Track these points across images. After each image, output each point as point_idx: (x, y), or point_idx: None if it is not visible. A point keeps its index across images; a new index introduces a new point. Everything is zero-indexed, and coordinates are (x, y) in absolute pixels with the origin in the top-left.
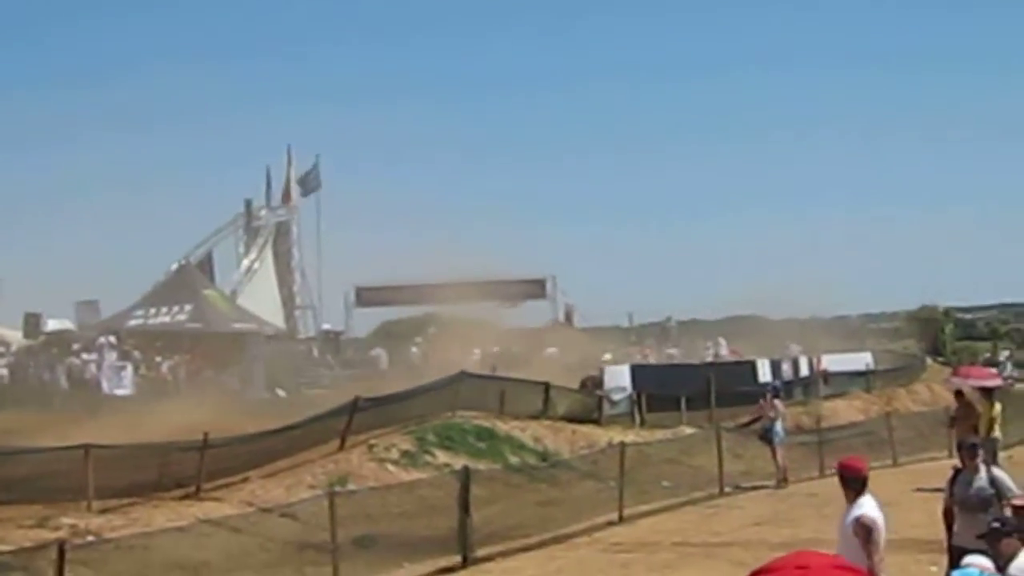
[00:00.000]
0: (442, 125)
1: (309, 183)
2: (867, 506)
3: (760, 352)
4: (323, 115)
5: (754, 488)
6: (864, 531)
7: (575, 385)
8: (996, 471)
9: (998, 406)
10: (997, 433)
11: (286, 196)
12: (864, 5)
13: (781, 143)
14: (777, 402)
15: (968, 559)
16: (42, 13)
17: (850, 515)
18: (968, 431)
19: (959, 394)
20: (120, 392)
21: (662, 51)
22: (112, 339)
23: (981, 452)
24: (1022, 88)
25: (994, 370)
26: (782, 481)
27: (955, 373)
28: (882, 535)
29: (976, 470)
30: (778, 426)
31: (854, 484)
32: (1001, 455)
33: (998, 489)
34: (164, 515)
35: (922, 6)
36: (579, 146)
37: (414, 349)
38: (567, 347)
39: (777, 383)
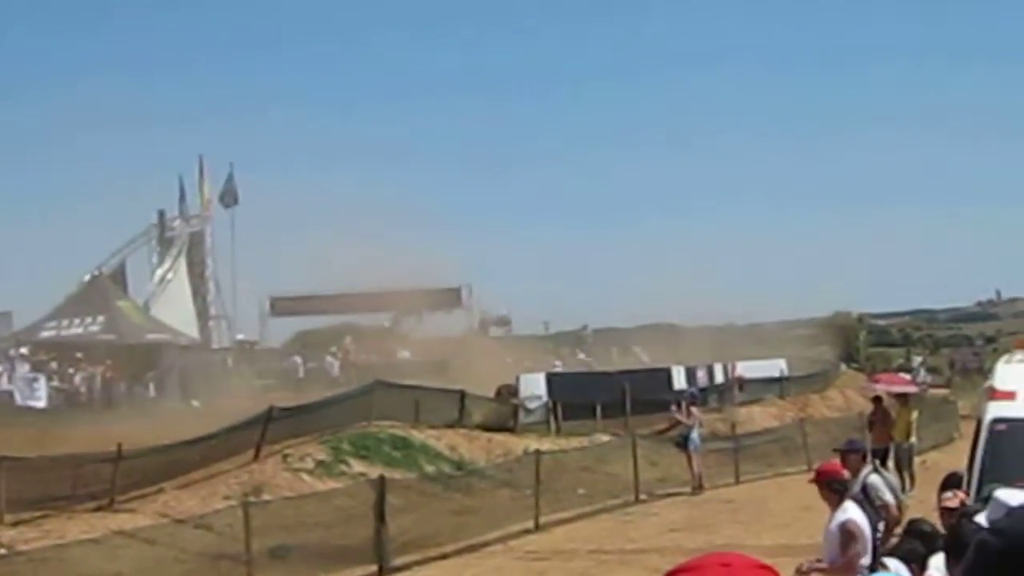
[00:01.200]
0: (356, 132)
1: (228, 196)
2: (851, 511)
3: (675, 359)
4: (235, 124)
5: (669, 495)
6: (849, 537)
7: (491, 393)
8: (872, 476)
9: (915, 413)
10: (913, 439)
11: (206, 206)
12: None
13: (697, 148)
14: (694, 409)
15: (887, 561)
16: None
17: (835, 520)
18: (884, 436)
19: (877, 400)
20: (33, 404)
21: (570, 58)
22: (24, 350)
23: (867, 456)
24: (939, 87)
25: (909, 377)
26: (698, 488)
27: (873, 379)
28: (868, 541)
29: (857, 475)
30: (694, 433)
31: (837, 487)
32: (916, 460)
33: (866, 494)
34: (78, 527)
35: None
36: (494, 152)
37: (329, 358)
38: (482, 356)
39: (694, 390)
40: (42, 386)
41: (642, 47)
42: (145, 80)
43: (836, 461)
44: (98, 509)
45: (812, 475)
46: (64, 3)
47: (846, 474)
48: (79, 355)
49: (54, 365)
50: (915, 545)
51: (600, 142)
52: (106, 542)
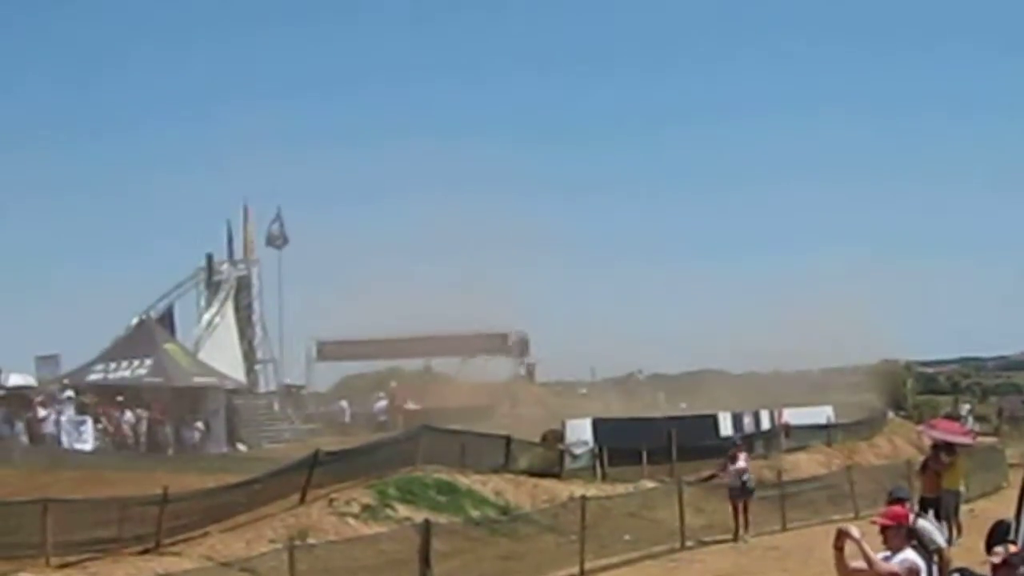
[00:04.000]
0: (403, 172)
1: (277, 238)
2: (912, 554)
3: (721, 406)
4: (282, 167)
5: (716, 542)
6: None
7: (536, 438)
8: (921, 522)
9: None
10: (962, 487)
11: (246, 251)
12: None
13: (744, 194)
14: (743, 455)
15: None
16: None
17: (897, 560)
18: (935, 485)
19: (935, 447)
20: (80, 446)
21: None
22: (71, 393)
23: (909, 504)
24: (986, 138)
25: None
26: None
27: (929, 425)
28: None
29: None
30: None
31: (903, 532)
32: (964, 508)
33: (918, 539)
34: (123, 570)
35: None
36: (541, 195)
37: (379, 403)
38: (528, 401)
39: (736, 437)
40: (89, 429)
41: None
42: (192, 123)
43: (898, 507)
44: (144, 552)
45: (881, 518)
46: (107, 46)
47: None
48: (123, 398)
49: (101, 408)
50: None
51: (648, 185)
52: None
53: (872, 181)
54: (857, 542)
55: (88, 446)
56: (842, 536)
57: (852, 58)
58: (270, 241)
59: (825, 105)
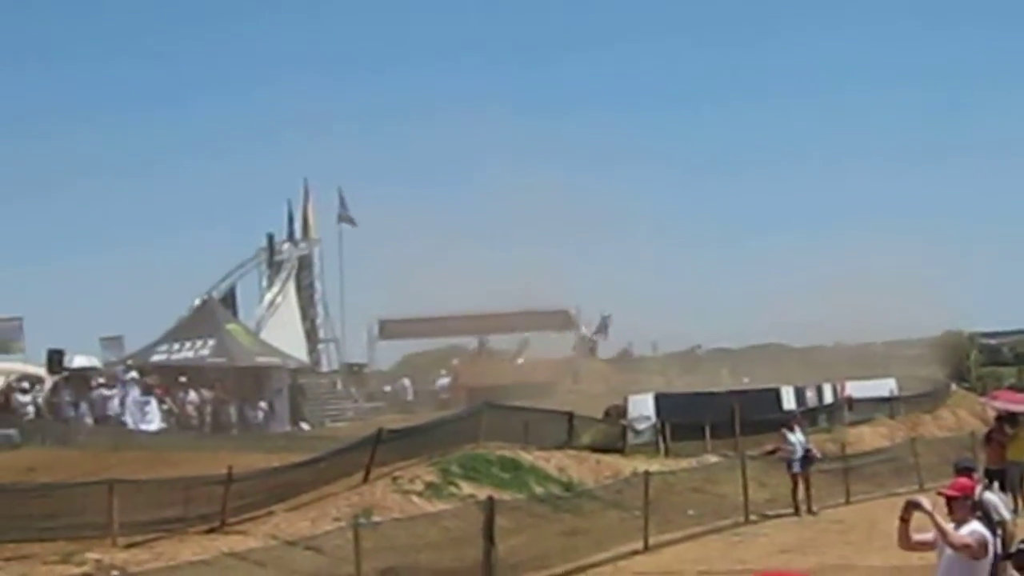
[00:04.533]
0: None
1: (344, 218)
2: (979, 525)
3: (785, 380)
4: (343, 144)
5: (779, 516)
6: (981, 549)
7: (599, 414)
8: (987, 494)
9: None
10: None
11: (306, 230)
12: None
13: (808, 168)
14: (798, 427)
15: None
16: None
17: (965, 530)
18: (1000, 456)
19: (999, 418)
20: (145, 427)
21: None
22: (135, 374)
23: (977, 475)
24: None
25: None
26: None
27: (991, 396)
28: (991, 556)
29: None
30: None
31: (970, 504)
32: None
33: (983, 511)
34: (189, 549)
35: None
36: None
37: (441, 381)
38: (591, 378)
39: (794, 411)
40: (153, 409)
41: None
42: (253, 100)
43: (965, 479)
44: (209, 531)
45: (947, 490)
46: (166, 25)
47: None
48: (187, 379)
49: (164, 389)
50: None
51: (709, 160)
52: (217, 564)
53: (933, 152)
54: (929, 514)
55: (154, 427)
56: (909, 508)
57: (901, 28)
58: (339, 221)
59: (881, 78)
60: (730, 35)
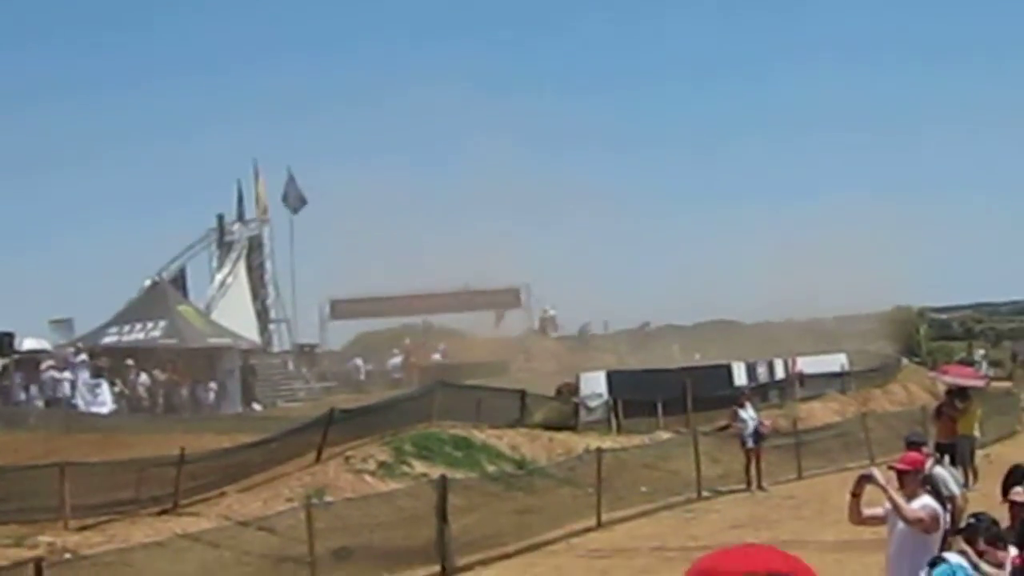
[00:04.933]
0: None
1: (292, 199)
2: (930, 499)
3: (736, 356)
4: (290, 125)
5: (732, 492)
6: (933, 523)
7: (551, 392)
8: (937, 469)
9: (979, 407)
10: (976, 432)
11: (262, 210)
12: None
13: (757, 143)
14: (749, 404)
15: (947, 555)
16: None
17: (917, 504)
18: (950, 431)
19: (949, 392)
20: (97, 409)
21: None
22: (85, 357)
23: (927, 449)
24: (997, 81)
25: (977, 370)
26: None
27: (941, 371)
28: (942, 531)
29: None
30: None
31: (920, 478)
32: (979, 453)
33: (932, 486)
34: (142, 531)
35: None
36: (548, 149)
37: (393, 360)
38: (542, 356)
39: (743, 387)
40: (105, 392)
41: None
42: (200, 83)
43: (915, 453)
44: (162, 513)
45: (899, 463)
46: (114, 8)
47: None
48: (137, 361)
49: (116, 371)
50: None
51: (654, 136)
52: (170, 545)
53: (880, 124)
54: (883, 487)
55: (105, 409)
56: (861, 482)
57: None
58: (287, 203)
59: (830, 50)
60: (684, 9)
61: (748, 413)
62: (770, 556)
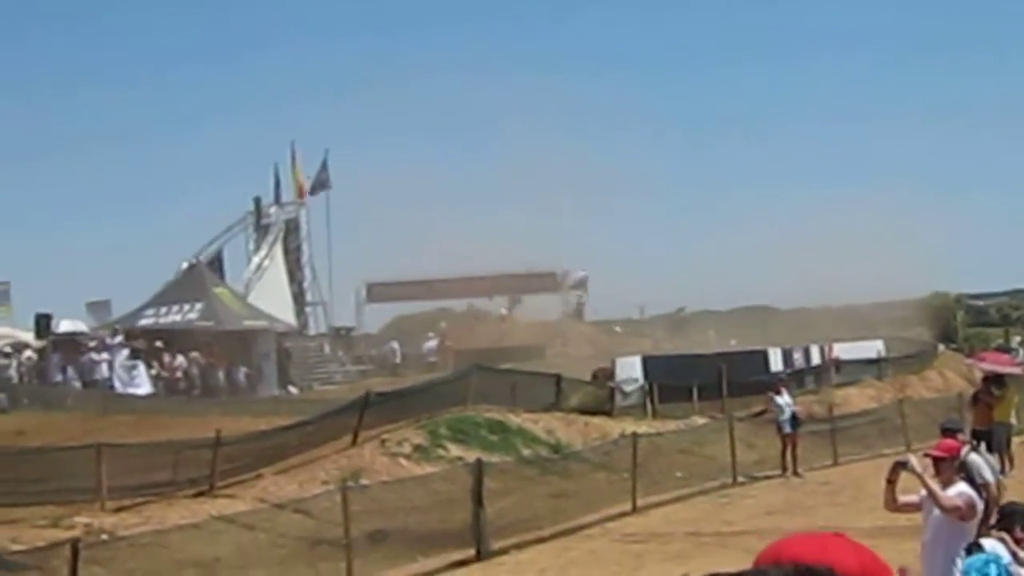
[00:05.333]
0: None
1: (320, 182)
2: (966, 487)
3: (771, 342)
4: (328, 109)
5: (767, 477)
6: (970, 510)
7: (586, 376)
8: (972, 456)
9: (1016, 394)
10: (1013, 420)
11: (300, 193)
12: None
13: (791, 128)
14: (785, 390)
15: (984, 541)
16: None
17: (952, 491)
18: (987, 418)
19: (985, 379)
20: (134, 391)
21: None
22: (123, 338)
23: (963, 436)
24: None
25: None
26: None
27: (978, 358)
28: (978, 518)
29: None
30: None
31: (956, 465)
32: (1015, 440)
33: (968, 473)
34: (178, 513)
35: None
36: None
37: (429, 344)
38: (578, 340)
39: (781, 373)
40: (142, 373)
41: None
42: (240, 67)
43: (951, 440)
44: (198, 495)
45: (934, 450)
46: None
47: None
48: (175, 343)
49: (153, 353)
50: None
51: (694, 123)
52: (206, 527)
53: (922, 113)
54: (919, 475)
55: (143, 391)
56: (896, 469)
57: None
58: (314, 189)
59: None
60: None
61: (784, 399)
62: (841, 547)
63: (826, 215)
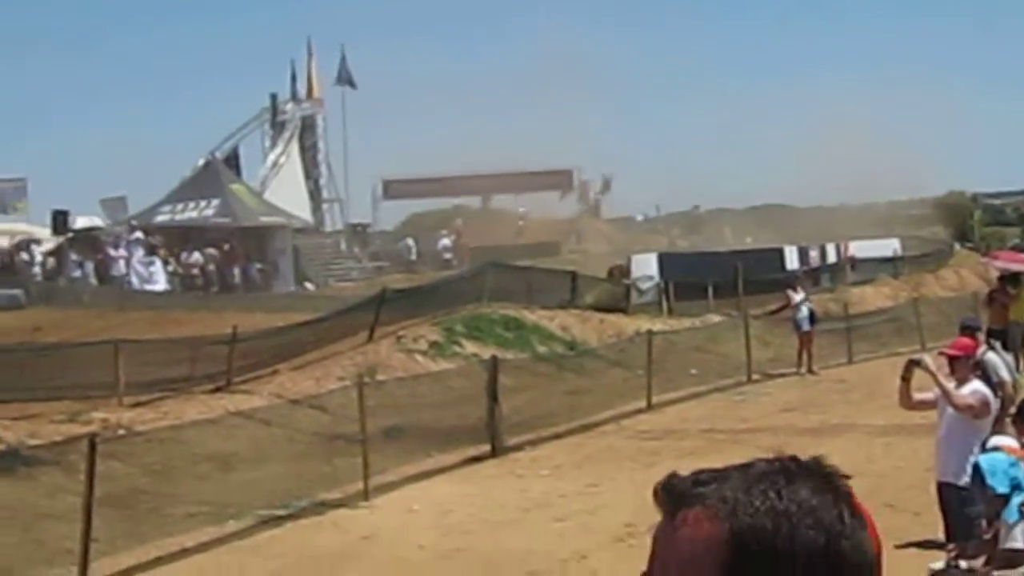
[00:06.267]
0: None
1: (344, 76)
2: (981, 385)
3: (787, 240)
4: (346, 4)
5: (782, 375)
6: (983, 408)
7: (602, 274)
8: (989, 355)
9: None
10: None
11: (310, 90)
12: None
13: (808, 21)
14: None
15: (994, 440)
16: None
17: (967, 389)
18: (1002, 317)
19: (1001, 278)
20: (150, 287)
21: None
22: (140, 235)
23: (980, 335)
24: None
25: None
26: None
27: (992, 256)
28: (992, 415)
29: None
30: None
31: (971, 363)
32: None
33: (983, 371)
34: (195, 408)
35: None
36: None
37: (443, 241)
38: (594, 238)
39: (796, 272)
40: (159, 270)
41: None
42: None
43: (967, 338)
44: (215, 391)
45: (950, 349)
46: None
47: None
48: (191, 239)
49: (168, 248)
50: None
51: (708, 13)
52: (222, 422)
53: (943, 9)
54: (933, 374)
55: (159, 287)
56: (910, 367)
57: None
58: (340, 79)
59: None
60: None
61: (800, 296)
62: None
63: (843, 112)
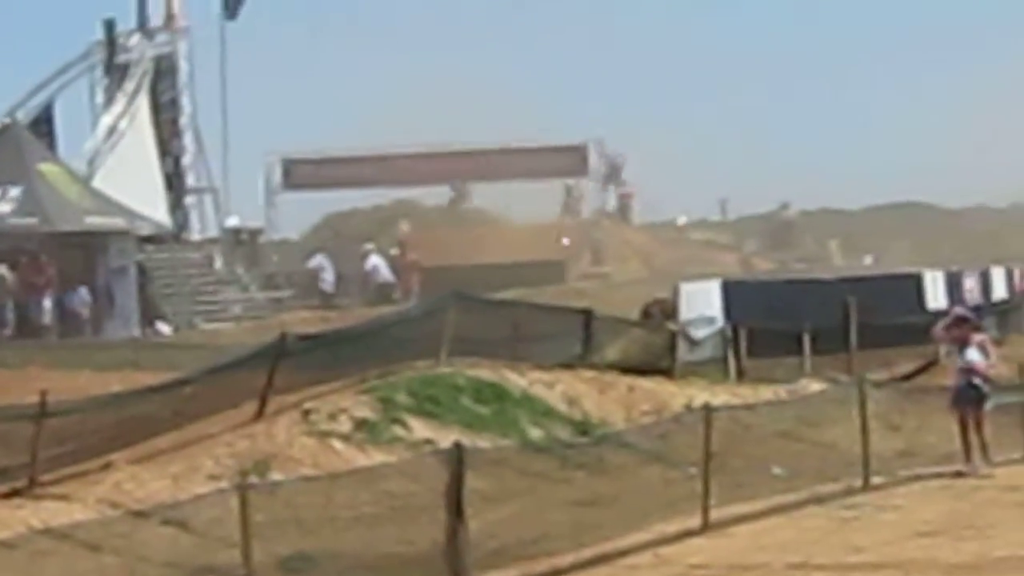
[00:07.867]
0: None
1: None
2: None
3: (930, 261)
4: None
5: (919, 478)
6: None
7: (634, 314)
8: None
9: None
10: None
11: (169, 15)
12: None
13: None
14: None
15: None
16: None
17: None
18: None
19: None
20: None
21: None
22: None
23: None
24: None
25: None
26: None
27: None
28: None
29: None
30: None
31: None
32: None
33: None
34: None
35: None
36: None
37: (373, 258)
38: (620, 254)
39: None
40: None
41: None
42: None
43: None
44: (12, 495)
45: None
46: None
47: None
48: None
49: None
50: None
51: None
52: (23, 546)
53: None
54: None
55: None
56: None
57: None
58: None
59: None
60: None
61: (971, 356)
62: None
63: (999, 74)
